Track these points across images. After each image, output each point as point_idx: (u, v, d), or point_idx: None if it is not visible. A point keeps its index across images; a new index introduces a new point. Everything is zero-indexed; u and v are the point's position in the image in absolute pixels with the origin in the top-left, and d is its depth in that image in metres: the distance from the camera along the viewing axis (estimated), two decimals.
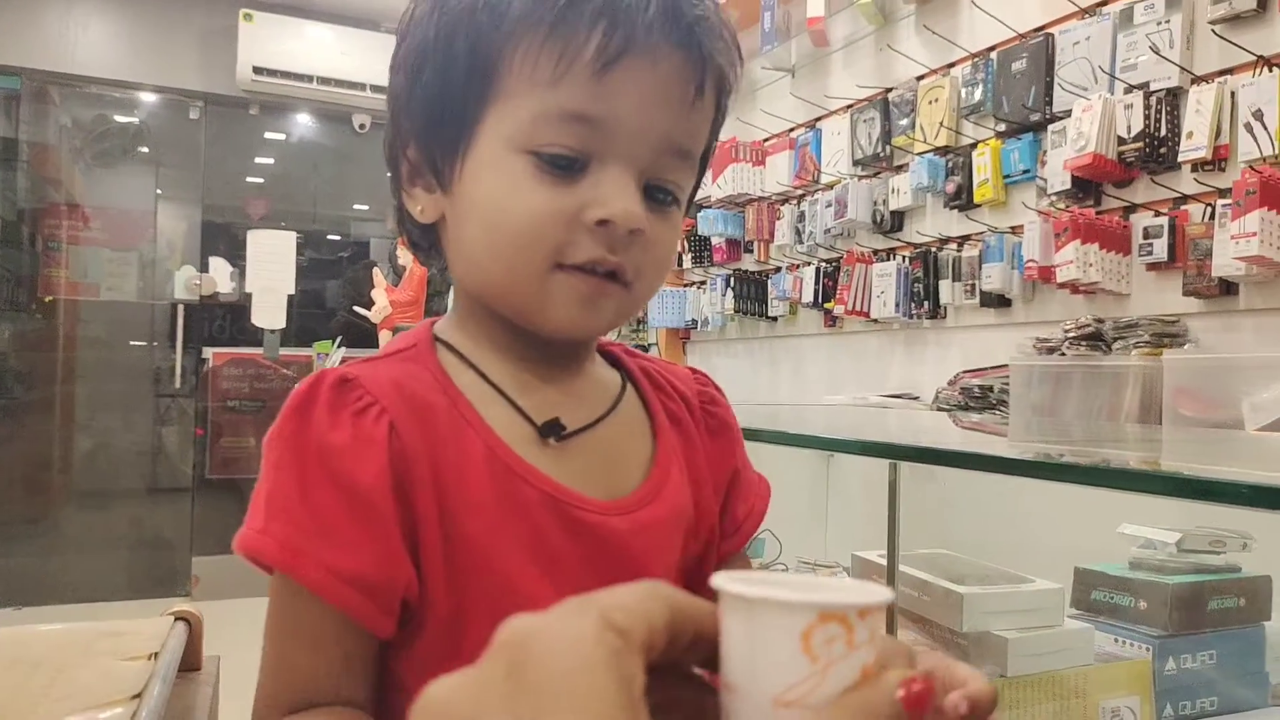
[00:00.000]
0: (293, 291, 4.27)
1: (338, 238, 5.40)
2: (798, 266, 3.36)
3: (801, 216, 3.32)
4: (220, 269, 4.41)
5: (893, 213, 2.91)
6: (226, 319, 4.72)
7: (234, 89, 4.40)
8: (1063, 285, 2.26)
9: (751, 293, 3.59)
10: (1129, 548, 1.38)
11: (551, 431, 0.60)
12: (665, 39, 0.56)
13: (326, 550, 0.52)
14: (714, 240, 3.72)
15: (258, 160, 5.15)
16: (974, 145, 2.61)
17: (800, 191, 3.37)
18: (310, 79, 4.36)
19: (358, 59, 4.40)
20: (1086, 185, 2.26)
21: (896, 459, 1.19)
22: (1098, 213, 2.23)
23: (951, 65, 2.74)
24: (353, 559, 0.52)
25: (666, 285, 3.87)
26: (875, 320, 2.97)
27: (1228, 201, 1.86)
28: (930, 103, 2.76)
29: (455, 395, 0.59)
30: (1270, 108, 1.83)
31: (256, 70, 4.28)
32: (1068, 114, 2.26)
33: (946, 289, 2.69)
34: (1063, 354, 2.12)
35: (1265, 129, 1.84)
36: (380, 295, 4.02)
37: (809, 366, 3.39)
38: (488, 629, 0.34)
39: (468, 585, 0.55)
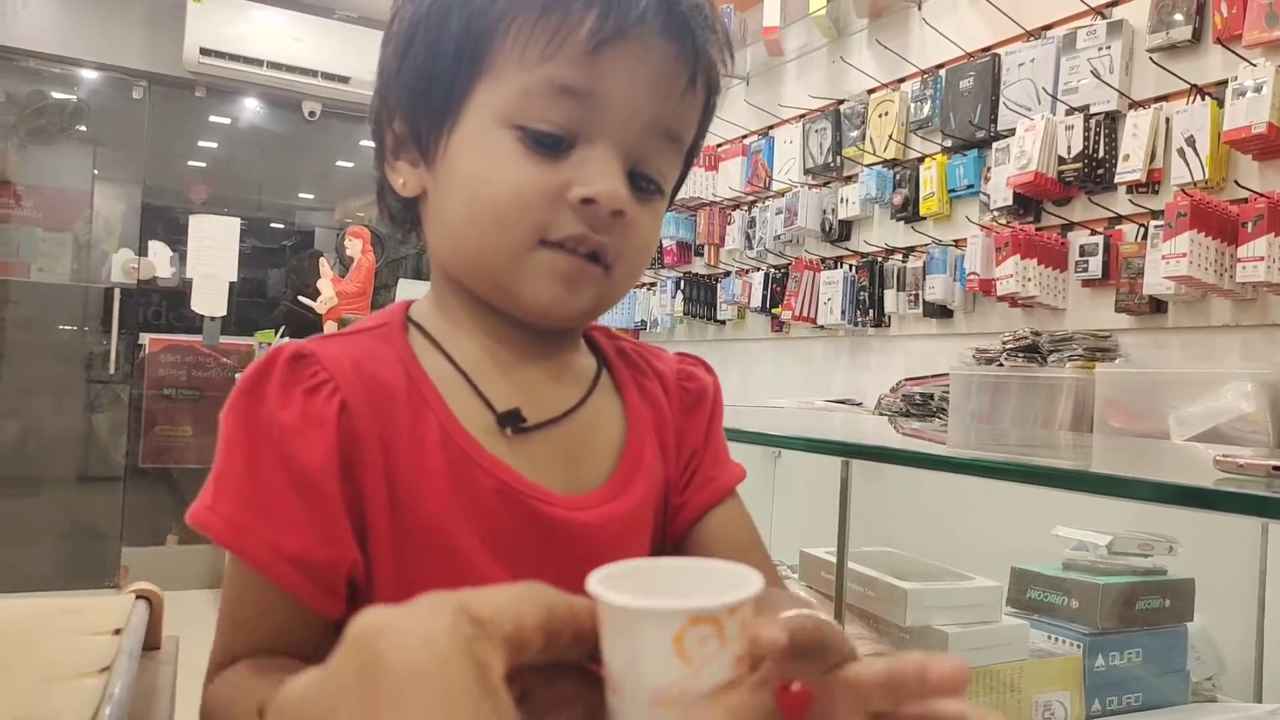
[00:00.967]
0: (235, 279, 4.17)
1: (283, 226, 5.29)
2: (747, 271, 3.41)
3: (752, 222, 3.37)
4: (160, 253, 4.29)
5: (841, 222, 2.97)
6: (164, 305, 4.59)
7: (180, 70, 4.29)
8: (1002, 298, 2.34)
9: (701, 296, 3.63)
10: (1063, 549, 1.44)
11: (510, 421, 0.59)
12: (659, 28, 0.57)
13: (271, 529, 0.53)
14: (665, 242, 3.75)
15: (202, 144, 5.02)
16: (921, 159, 2.68)
17: (752, 198, 3.42)
18: (260, 63, 4.27)
19: (310, 45, 4.33)
20: (1027, 202, 2.34)
21: (848, 456, 1.23)
22: (1037, 229, 2.31)
23: (902, 80, 2.81)
24: (296, 539, 0.53)
25: None
26: (821, 327, 3.03)
27: (1160, 223, 1.94)
28: (880, 116, 2.83)
29: (419, 377, 0.59)
30: (1202, 134, 1.92)
31: (204, 52, 4.17)
32: (1012, 132, 2.33)
33: (891, 298, 2.75)
34: (1001, 364, 2.20)
35: (1197, 154, 1.93)
36: (326, 286, 3.96)
37: (756, 370, 3.44)
38: None
39: (418, 568, 0.55)
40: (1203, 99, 1.95)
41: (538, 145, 0.57)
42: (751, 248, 3.36)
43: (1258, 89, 1.79)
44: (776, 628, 0.35)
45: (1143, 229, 2.07)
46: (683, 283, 3.68)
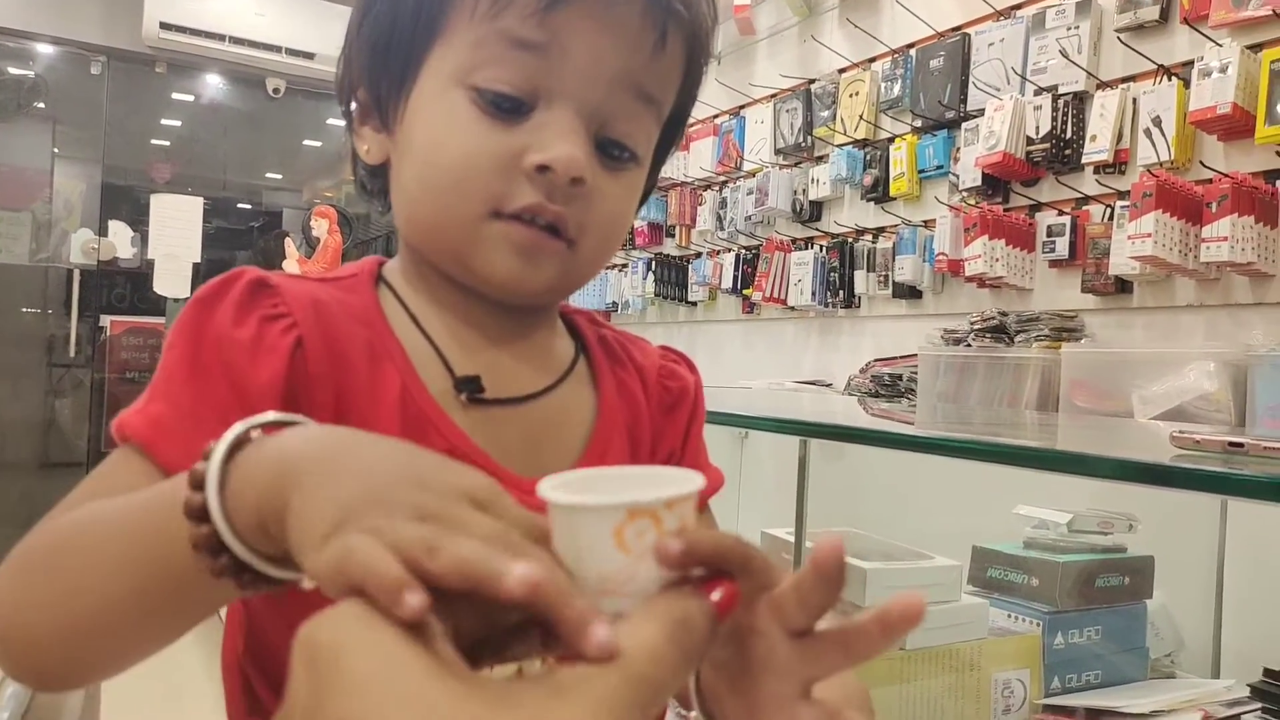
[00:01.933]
0: (199, 260, 4.10)
1: (248, 206, 5.21)
2: (718, 252, 3.40)
3: (723, 203, 3.35)
4: (120, 233, 4.21)
5: (812, 202, 2.96)
6: (127, 286, 4.51)
7: (140, 45, 4.19)
8: (970, 278, 2.34)
9: (672, 277, 3.61)
10: (1023, 528, 1.45)
11: (466, 387, 0.57)
12: None
13: (195, 435, 0.44)
14: (636, 224, 3.72)
15: (164, 121, 4.92)
16: (891, 139, 2.67)
17: (723, 178, 3.40)
18: (222, 38, 4.18)
19: (273, 20, 4.24)
20: (996, 183, 2.33)
21: (805, 435, 1.22)
22: (1005, 210, 2.31)
23: (872, 60, 2.80)
24: None
25: None
26: (792, 308, 3.02)
27: (1126, 203, 1.94)
28: (851, 95, 2.81)
29: (384, 331, 0.57)
30: (1168, 115, 1.92)
31: (164, 26, 4.08)
32: (981, 113, 2.33)
33: (861, 279, 2.75)
34: (968, 345, 2.20)
35: (1163, 135, 1.94)
36: (293, 266, 3.90)
37: (726, 352, 3.43)
38: None
39: None
40: (1170, 79, 1.95)
41: (493, 108, 0.54)
42: (723, 228, 3.34)
43: (1223, 69, 1.79)
44: (681, 539, 0.35)
45: (1109, 209, 2.07)
46: (654, 264, 3.66)
